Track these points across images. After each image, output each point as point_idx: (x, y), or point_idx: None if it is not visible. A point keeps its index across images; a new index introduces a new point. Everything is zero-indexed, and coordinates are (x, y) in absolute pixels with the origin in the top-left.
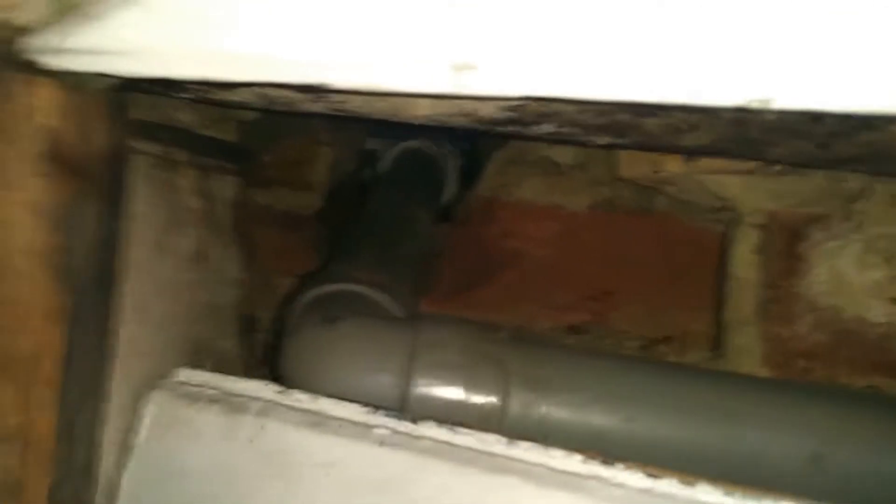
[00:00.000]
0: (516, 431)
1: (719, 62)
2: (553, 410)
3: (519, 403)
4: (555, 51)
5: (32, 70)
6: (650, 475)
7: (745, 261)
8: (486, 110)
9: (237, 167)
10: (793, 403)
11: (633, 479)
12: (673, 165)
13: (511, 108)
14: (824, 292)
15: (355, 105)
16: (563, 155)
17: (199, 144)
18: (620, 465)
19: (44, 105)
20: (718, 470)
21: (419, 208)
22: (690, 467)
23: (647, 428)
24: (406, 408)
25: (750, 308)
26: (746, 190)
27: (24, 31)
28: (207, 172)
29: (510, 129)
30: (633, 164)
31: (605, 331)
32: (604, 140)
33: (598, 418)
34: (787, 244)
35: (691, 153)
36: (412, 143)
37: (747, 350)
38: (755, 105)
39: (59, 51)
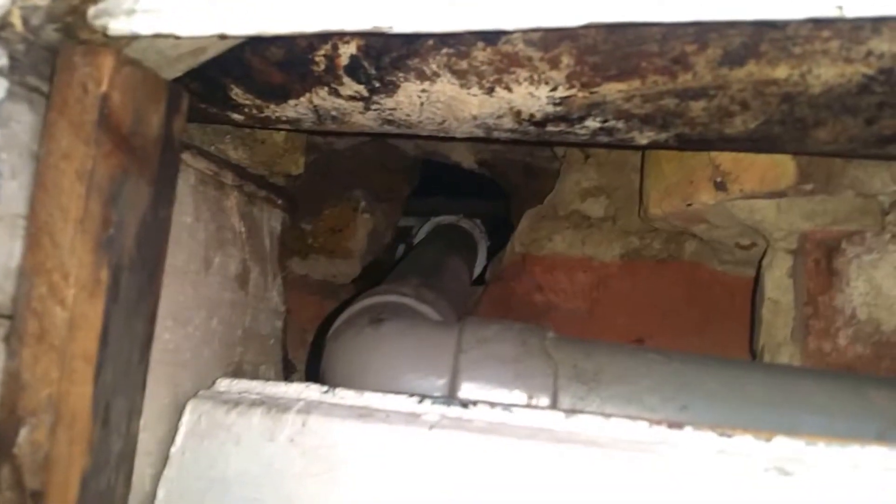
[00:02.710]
0: None
1: None
2: (608, 403)
3: (570, 397)
4: None
5: (96, 41)
6: (723, 434)
7: (779, 285)
8: (533, 105)
9: (285, 204)
10: (851, 389)
11: (705, 439)
12: (705, 195)
13: (558, 102)
14: (864, 303)
15: (406, 112)
16: (593, 208)
17: (247, 174)
18: (689, 428)
19: (103, 76)
20: None
21: (458, 258)
22: None
23: (703, 416)
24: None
25: (786, 330)
26: (780, 212)
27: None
28: (254, 200)
29: (556, 129)
30: (664, 200)
31: None
32: (647, 136)
33: (652, 408)
34: (823, 261)
35: (736, 146)
36: (445, 218)
37: None
38: (828, 13)
39: (130, 12)
